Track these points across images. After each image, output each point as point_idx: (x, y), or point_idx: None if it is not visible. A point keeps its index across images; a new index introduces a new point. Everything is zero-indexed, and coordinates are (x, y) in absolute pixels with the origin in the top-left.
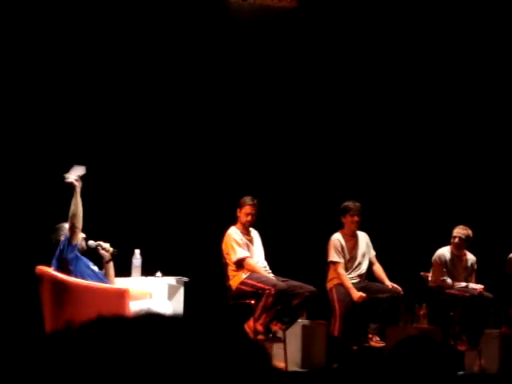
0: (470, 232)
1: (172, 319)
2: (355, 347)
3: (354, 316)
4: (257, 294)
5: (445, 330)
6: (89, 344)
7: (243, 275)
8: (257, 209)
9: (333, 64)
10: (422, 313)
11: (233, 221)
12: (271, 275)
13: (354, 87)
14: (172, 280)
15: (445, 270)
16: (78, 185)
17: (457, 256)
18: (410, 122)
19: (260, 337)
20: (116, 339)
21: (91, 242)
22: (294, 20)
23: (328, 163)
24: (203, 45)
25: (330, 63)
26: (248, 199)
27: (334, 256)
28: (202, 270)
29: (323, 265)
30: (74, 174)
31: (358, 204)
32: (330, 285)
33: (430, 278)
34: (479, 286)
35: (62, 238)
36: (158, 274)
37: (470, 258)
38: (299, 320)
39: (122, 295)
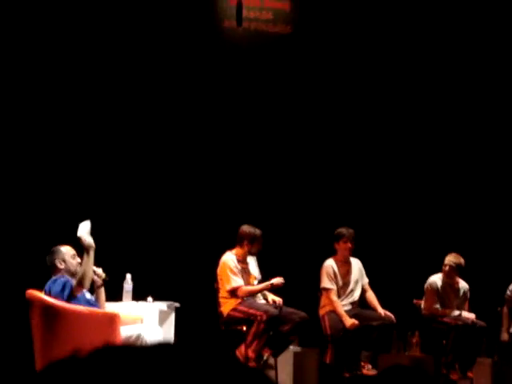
0: (461, 260)
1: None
2: (347, 375)
3: (347, 343)
4: (248, 320)
5: (437, 359)
6: (98, 372)
7: (235, 302)
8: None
9: (326, 89)
10: (414, 341)
11: (224, 246)
12: (263, 301)
13: (347, 114)
14: (163, 305)
15: (437, 297)
16: (87, 241)
17: (449, 284)
18: (401, 151)
19: (251, 363)
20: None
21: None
22: (288, 46)
23: (322, 189)
24: (198, 69)
25: (323, 88)
26: (259, 233)
27: (326, 282)
28: (193, 295)
29: (316, 291)
30: (86, 233)
31: (351, 230)
32: (322, 311)
33: (422, 306)
34: (472, 315)
35: (58, 265)
36: (149, 299)
37: (463, 285)
38: (291, 347)
39: (112, 320)
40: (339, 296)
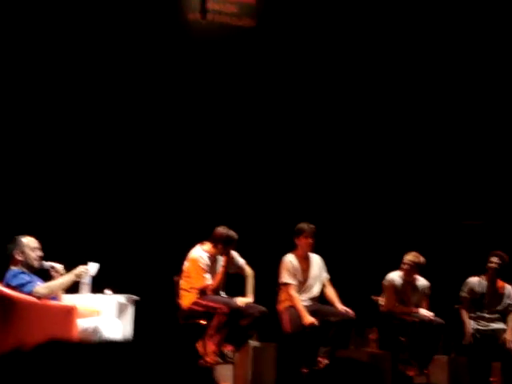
0: (421, 259)
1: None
2: (305, 370)
3: (305, 338)
4: (208, 313)
5: (395, 355)
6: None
7: (195, 295)
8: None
9: (290, 83)
10: (372, 337)
11: (184, 239)
12: (224, 295)
13: (309, 107)
14: (122, 298)
15: (395, 295)
16: (84, 277)
17: (407, 281)
18: (361, 147)
19: (212, 357)
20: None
21: (45, 263)
22: (252, 39)
23: (282, 184)
24: (162, 62)
25: (287, 82)
26: (234, 236)
27: (286, 277)
28: (151, 288)
29: (274, 286)
30: (90, 271)
31: (312, 226)
32: (281, 307)
33: (380, 302)
34: (429, 314)
35: (17, 256)
36: (108, 291)
37: (422, 283)
38: (249, 341)
39: (69, 312)
40: (298, 291)
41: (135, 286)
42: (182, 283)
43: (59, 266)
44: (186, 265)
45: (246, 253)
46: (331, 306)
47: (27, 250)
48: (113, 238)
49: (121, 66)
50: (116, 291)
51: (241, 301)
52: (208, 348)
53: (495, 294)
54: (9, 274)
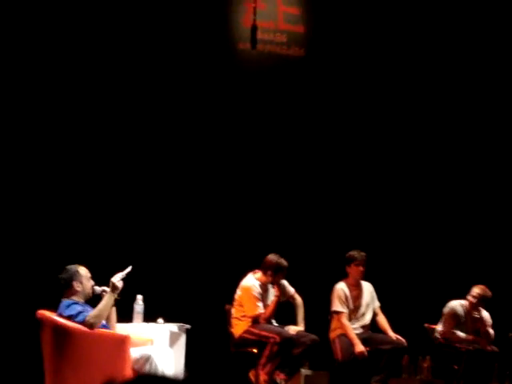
0: (488, 293)
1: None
2: None
3: (357, 367)
4: (260, 342)
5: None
6: None
7: (247, 324)
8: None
9: (339, 112)
10: (425, 365)
11: (236, 266)
12: (275, 324)
13: (361, 137)
14: (174, 327)
15: (456, 323)
16: (119, 287)
17: (469, 312)
18: (413, 177)
19: None
20: None
21: (96, 288)
22: (302, 68)
23: (334, 213)
24: (212, 91)
25: (336, 111)
26: (284, 264)
27: (337, 306)
28: (203, 316)
29: (326, 314)
30: (120, 276)
31: (363, 254)
32: (333, 335)
33: (437, 330)
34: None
35: (76, 287)
36: (160, 320)
37: (485, 314)
38: (301, 370)
39: (122, 342)
40: (350, 319)
41: (187, 314)
42: (234, 312)
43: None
44: (239, 293)
45: (297, 281)
46: (383, 333)
47: (85, 281)
48: (165, 268)
49: (171, 92)
50: (168, 320)
51: (293, 329)
52: (260, 377)
53: None
54: (63, 305)
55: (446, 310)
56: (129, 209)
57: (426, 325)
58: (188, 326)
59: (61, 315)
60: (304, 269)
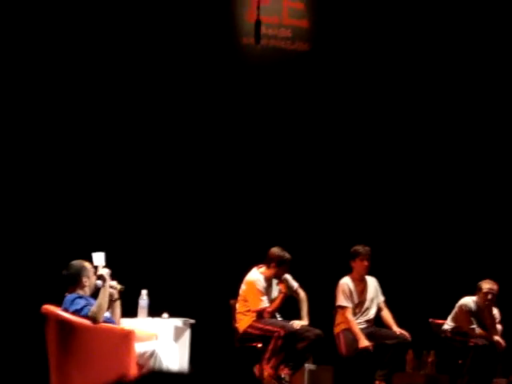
0: (497, 288)
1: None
2: None
3: (361, 361)
4: (264, 336)
5: (453, 379)
6: None
7: (251, 318)
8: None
9: (344, 106)
10: (430, 360)
11: (240, 260)
12: (280, 318)
13: (367, 132)
14: (178, 322)
15: (472, 318)
16: (108, 278)
17: (483, 309)
18: (417, 170)
19: (269, 380)
20: None
21: (98, 282)
22: (306, 63)
23: (338, 207)
24: (217, 86)
25: (341, 105)
26: (288, 257)
27: (342, 300)
28: (208, 311)
29: (331, 309)
30: (101, 264)
31: (367, 248)
32: (337, 329)
33: (450, 324)
34: (503, 342)
35: (84, 281)
36: (165, 315)
37: (494, 310)
38: (306, 364)
39: (127, 336)
40: (355, 314)
41: (192, 309)
42: (239, 306)
43: (114, 283)
44: (243, 288)
45: (302, 275)
46: (387, 328)
47: (91, 275)
48: (170, 263)
49: (175, 87)
50: (173, 315)
51: (297, 324)
52: (265, 371)
53: None
54: (67, 300)
55: (461, 306)
56: (133, 204)
57: (430, 319)
58: (192, 321)
59: (66, 310)
60: (308, 263)
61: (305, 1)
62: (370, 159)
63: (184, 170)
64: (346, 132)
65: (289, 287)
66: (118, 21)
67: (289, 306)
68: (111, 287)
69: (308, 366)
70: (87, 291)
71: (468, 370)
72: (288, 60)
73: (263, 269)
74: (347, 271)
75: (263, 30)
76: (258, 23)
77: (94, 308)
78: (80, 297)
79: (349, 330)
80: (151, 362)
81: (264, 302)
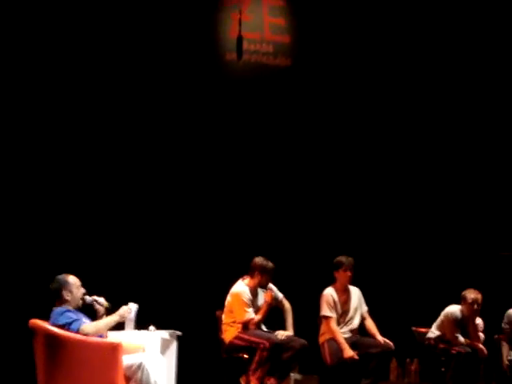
0: (480, 296)
1: None
2: None
3: (346, 371)
4: (250, 348)
5: None
6: None
7: (237, 329)
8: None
9: (325, 120)
10: (413, 368)
11: (225, 274)
12: (265, 329)
13: (347, 145)
14: (165, 334)
15: (457, 327)
16: (126, 317)
17: (468, 318)
18: (401, 179)
19: None
20: None
21: (87, 298)
22: (288, 78)
23: (321, 219)
24: (199, 101)
25: (323, 119)
26: (270, 266)
27: (326, 311)
28: (194, 323)
29: (315, 319)
30: (129, 311)
31: (350, 259)
32: (322, 339)
33: (435, 332)
34: (485, 350)
35: (65, 296)
36: (151, 327)
37: (479, 321)
38: (291, 374)
39: (115, 349)
40: (339, 324)
41: (178, 321)
42: (225, 318)
43: (101, 299)
44: (229, 299)
45: (286, 286)
46: (371, 337)
47: (74, 289)
48: (156, 275)
49: (158, 102)
50: (159, 327)
51: (282, 334)
52: (251, 383)
53: None
54: (55, 313)
55: (446, 315)
56: (121, 218)
57: (413, 328)
58: (179, 333)
59: (54, 324)
60: (292, 274)
61: (286, 17)
62: (353, 171)
63: (170, 185)
64: (328, 145)
65: (274, 298)
66: (105, 34)
67: (274, 317)
68: (98, 303)
69: (294, 376)
70: (71, 305)
71: (451, 378)
72: (270, 75)
73: (247, 280)
74: (331, 282)
75: (245, 45)
76: (239, 39)
77: (90, 326)
78: (69, 310)
79: (333, 340)
80: (139, 375)
81: (249, 314)
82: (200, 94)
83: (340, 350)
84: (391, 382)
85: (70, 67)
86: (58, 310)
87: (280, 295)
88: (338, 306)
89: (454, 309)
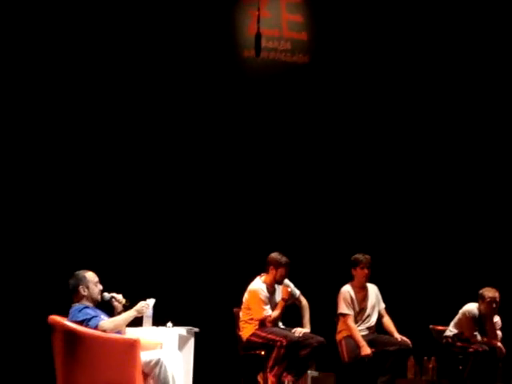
0: (499, 294)
1: None
2: None
3: (363, 368)
4: (267, 345)
5: None
6: None
7: (254, 327)
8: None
9: (343, 117)
10: (430, 366)
11: (244, 270)
12: (282, 326)
13: (366, 141)
14: (183, 330)
15: (475, 325)
16: (144, 312)
17: (487, 317)
18: (419, 176)
19: None
20: None
21: (105, 295)
22: (306, 75)
23: (339, 216)
24: (218, 98)
25: (340, 116)
26: (284, 260)
27: (343, 308)
28: (212, 320)
29: (333, 316)
30: (147, 305)
31: (367, 256)
32: (339, 337)
33: (453, 331)
34: (503, 348)
35: (82, 291)
36: (169, 324)
37: (497, 320)
38: (308, 371)
39: (132, 345)
40: (356, 322)
41: (196, 318)
42: (242, 315)
43: (119, 296)
44: (246, 297)
45: (304, 283)
46: (388, 335)
47: (91, 285)
48: (174, 272)
49: (176, 99)
50: (177, 324)
51: (299, 331)
52: (268, 380)
53: None
54: (74, 310)
55: (465, 313)
56: (138, 214)
57: (430, 326)
58: (197, 330)
59: (72, 320)
60: (310, 271)
61: (304, 14)
62: (371, 168)
63: (188, 181)
64: (346, 141)
65: (290, 294)
66: (122, 29)
67: (291, 314)
68: (116, 300)
69: (311, 373)
70: (89, 301)
71: (468, 376)
72: (288, 72)
73: (264, 277)
74: (348, 279)
75: (264, 42)
76: (258, 36)
77: (108, 323)
78: (87, 307)
79: (350, 337)
80: (156, 371)
81: (266, 311)
82: (218, 91)
83: (357, 347)
84: (408, 380)
85: (84, 67)
86: (76, 306)
87: (297, 292)
88: (356, 304)
89: (472, 307)
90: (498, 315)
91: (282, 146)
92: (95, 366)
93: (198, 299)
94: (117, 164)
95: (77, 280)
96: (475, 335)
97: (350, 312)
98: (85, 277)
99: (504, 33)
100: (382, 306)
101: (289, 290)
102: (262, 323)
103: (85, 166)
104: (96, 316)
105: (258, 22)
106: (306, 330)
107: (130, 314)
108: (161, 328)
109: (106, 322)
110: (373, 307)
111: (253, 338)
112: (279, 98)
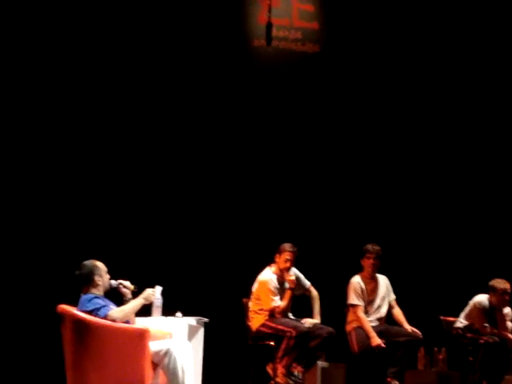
0: (509, 285)
1: None
2: None
3: (373, 359)
4: (277, 336)
5: (464, 376)
6: None
7: (264, 317)
8: (295, 256)
9: (354, 107)
10: (441, 357)
11: (253, 260)
12: (292, 317)
13: (376, 132)
14: (192, 320)
15: (485, 317)
16: (151, 300)
17: (498, 308)
18: (431, 166)
19: (282, 379)
20: None
21: (113, 282)
22: (316, 64)
23: (350, 206)
24: (228, 88)
25: (351, 106)
26: (288, 246)
27: (353, 299)
28: (221, 310)
29: (343, 307)
30: (153, 292)
31: (376, 247)
32: (349, 327)
33: (463, 322)
34: None
35: (97, 280)
36: (179, 314)
37: (508, 310)
38: (318, 362)
39: (142, 335)
40: (366, 312)
41: (205, 308)
42: (252, 305)
43: (127, 283)
44: (255, 287)
45: (314, 274)
46: (399, 326)
47: (104, 274)
48: (183, 262)
49: (186, 89)
50: (186, 314)
51: (309, 322)
52: (278, 370)
53: None
54: (84, 299)
55: (475, 304)
56: (146, 204)
57: (441, 317)
58: (206, 320)
59: (82, 310)
60: (320, 262)
61: (315, 3)
62: (382, 158)
63: (198, 171)
64: (357, 131)
65: (301, 286)
66: (130, 21)
67: (301, 305)
68: (124, 287)
69: (320, 364)
70: (101, 290)
71: (479, 367)
72: (298, 61)
73: (274, 268)
74: (358, 270)
75: (274, 32)
76: (269, 25)
77: (117, 312)
78: (97, 297)
79: (360, 328)
80: (166, 361)
81: (275, 302)
82: (228, 80)
83: (367, 338)
84: (419, 371)
85: (88, 64)
86: (86, 296)
87: (307, 283)
88: (366, 295)
89: (482, 298)
90: (510, 306)
91: (292, 135)
92: (104, 355)
93: (207, 289)
94: (125, 152)
95: (90, 269)
96: (485, 326)
97: (360, 303)
98: (97, 266)
99: (505, 33)
100: (393, 297)
101: (292, 278)
102: (272, 314)
103: (92, 156)
104: (105, 305)
105: (269, 11)
106: (316, 320)
107: (138, 302)
108: (170, 318)
109: (114, 311)
110: (383, 298)
111: (262, 329)
112: (290, 87)
